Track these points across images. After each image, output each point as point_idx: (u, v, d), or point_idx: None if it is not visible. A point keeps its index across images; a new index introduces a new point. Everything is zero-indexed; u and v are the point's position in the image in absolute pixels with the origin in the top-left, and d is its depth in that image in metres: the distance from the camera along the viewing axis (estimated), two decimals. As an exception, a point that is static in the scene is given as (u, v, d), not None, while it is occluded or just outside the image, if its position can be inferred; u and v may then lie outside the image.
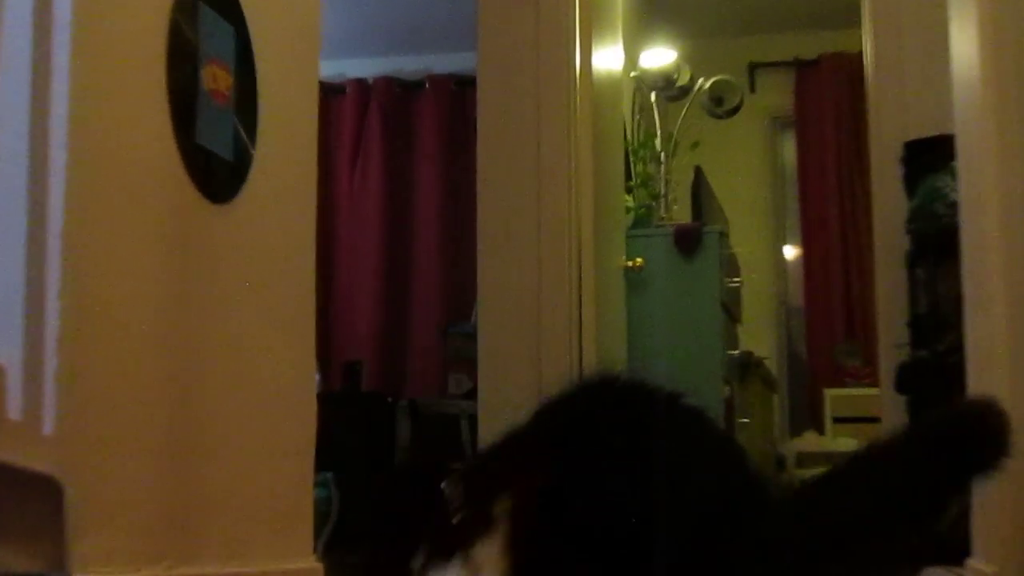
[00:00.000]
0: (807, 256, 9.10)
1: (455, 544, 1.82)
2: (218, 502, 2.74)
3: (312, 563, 3.16)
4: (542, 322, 4.68)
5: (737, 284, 7.05)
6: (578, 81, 4.88)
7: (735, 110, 8.01)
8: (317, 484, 3.49)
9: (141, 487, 2.44)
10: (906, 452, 2.16)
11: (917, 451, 2.14)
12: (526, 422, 1.95)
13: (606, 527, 1.82)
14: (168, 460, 2.54)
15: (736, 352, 6.74)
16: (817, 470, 2.31)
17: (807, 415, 8.87)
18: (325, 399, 3.55)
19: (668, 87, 7.25)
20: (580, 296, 4.78)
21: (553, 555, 1.81)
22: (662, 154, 7.08)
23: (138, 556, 2.39)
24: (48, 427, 2.16)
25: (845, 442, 7.68)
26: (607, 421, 1.94)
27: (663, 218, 6.76)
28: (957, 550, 2.80)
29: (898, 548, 2.37)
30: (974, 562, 2.67)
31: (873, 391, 6.58)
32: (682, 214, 7.03)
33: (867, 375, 8.04)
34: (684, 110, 7.44)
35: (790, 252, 9.49)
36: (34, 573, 2.03)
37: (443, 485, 1.86)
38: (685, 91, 7.35)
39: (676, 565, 1.80)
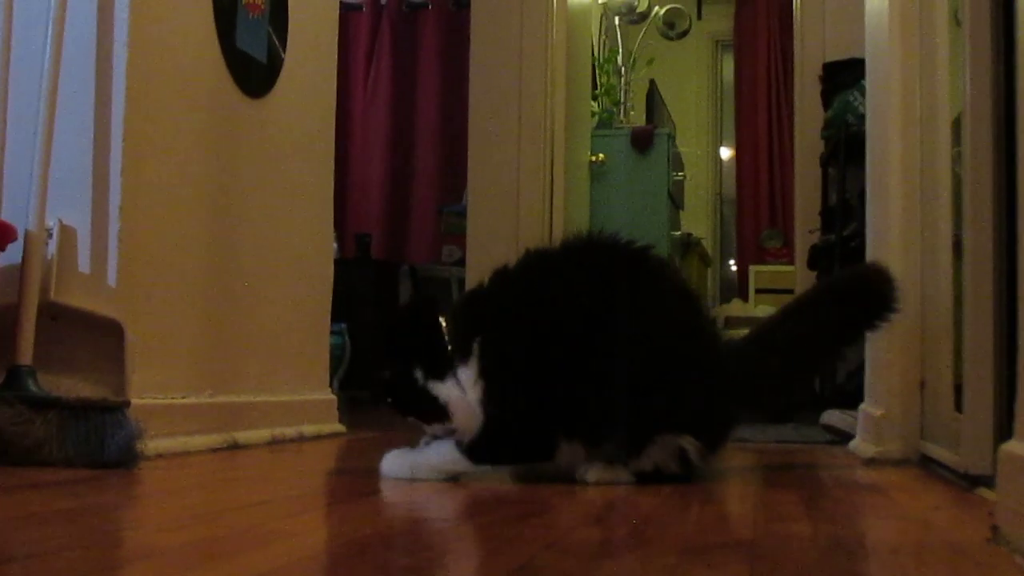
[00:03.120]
0: (739, 156, 9.07)
1: (447, 367, 1.84)
2: (251, 344, 2.75)
3: (328, 395, 3.19)
4: (520, 205, 4.67)
5: (681, 178, 7.05)
6: (555, 5, 4.82)
7: (684, 33, 7.98)
8: (333, 333, 3.49)
9: (187, 330, 2.45)
10: (814, 306, 2.20)
11: (822, 305, 2.18)
12: (513, 267, 1.95)
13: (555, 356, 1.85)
14: (209, 309, 2.55)
15: (679, 233, 6.76)
16: (741, 331, 2.33)
17: (735, 286, 8.91)
18: (340, 264, 3.54)
19: (629, 13, 7.21)
20: (552, 184, 4.78)
21: (509, 380, 1.84)
22: (623, 68, 7.04)
23: (185, 385, 2.40)
24: (111, 279, 2.16)
25: (764, 309, 7.73)
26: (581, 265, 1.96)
27: (622, 121, 6.72)
28: (852, 397, 2.83)
29: (805, 393, 2.40)
30: (865, 406, 2.70)
31: (789, 268, 6.61)
32: (638, 118, 6.99)
33: (784, 255, 8.06)
34: (642, 32, 7.38)
35: (725, 153, 9.46)
36: (100, 398, 2.04)
37: (442, 320, 1.89)
38: (643, 16, 7.32)
39: (639, 385, 1.83)
